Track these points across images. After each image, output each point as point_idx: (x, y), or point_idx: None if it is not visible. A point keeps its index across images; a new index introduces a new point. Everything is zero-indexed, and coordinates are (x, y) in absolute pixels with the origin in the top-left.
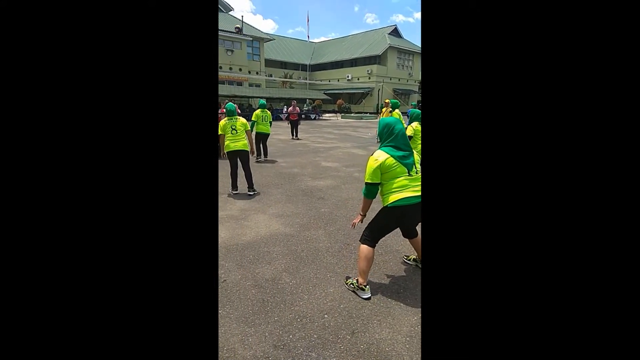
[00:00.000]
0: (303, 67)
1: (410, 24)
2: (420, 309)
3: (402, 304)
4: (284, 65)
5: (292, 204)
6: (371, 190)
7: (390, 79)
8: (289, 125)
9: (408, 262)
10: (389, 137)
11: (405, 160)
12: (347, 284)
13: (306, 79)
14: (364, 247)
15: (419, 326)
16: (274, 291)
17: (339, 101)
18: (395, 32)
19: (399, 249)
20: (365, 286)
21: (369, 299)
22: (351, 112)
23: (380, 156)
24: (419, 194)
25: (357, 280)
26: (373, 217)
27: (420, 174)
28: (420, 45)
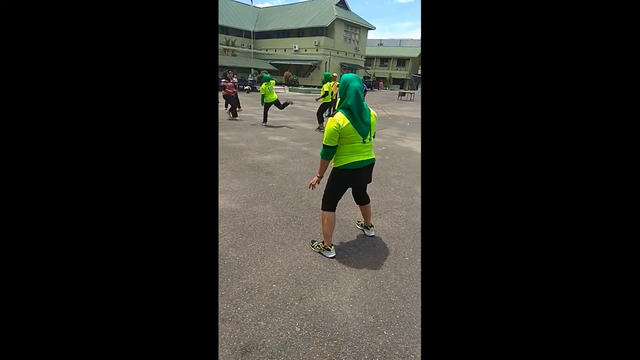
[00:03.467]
0: (247, 34)
1: None
2: (362, 271)
3: (346, 268)
4: (224, 30)
5: (238, 179)
6: (328, 152)
7: (338, 52)
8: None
9: (358, 225)
10: (344, 97)
11: (361, 128)
12: (312, 246)
13: (250, 46)
14: (325, 213)
15: (362, 287)
16: (220, 267)
17: (286, 73)
18: (342, 4)
19: (345, 218)
20: (330, 247)
21: (333, 257)
22: (299, 85)
23: (341, 121)
24: (367, 157)
25: (322, 242)
26: (326, 184)
27: (372, 140)
28: (366, 20)
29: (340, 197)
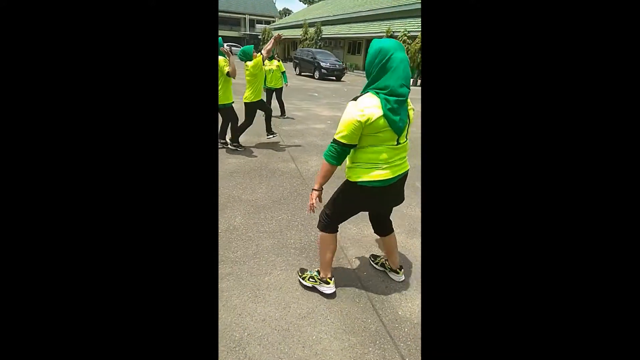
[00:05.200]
0: None
1: None
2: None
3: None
4: None
5: None
6: (342, 154)
7: None
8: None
9: (375, 264)
10: (381, 74)
11: (398, 123)
12: (303, 278)
13: None
14: (325, 235)
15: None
16: None
17: None
18: None
19: (361, 239)
20: (330, 278)
21: (333, 294)
22: None
23: (368, 109)
24: (402, 170)
25: (317, 271)
26: (333, 194)
27: (407, 140)
28: None
29: (348, 219)
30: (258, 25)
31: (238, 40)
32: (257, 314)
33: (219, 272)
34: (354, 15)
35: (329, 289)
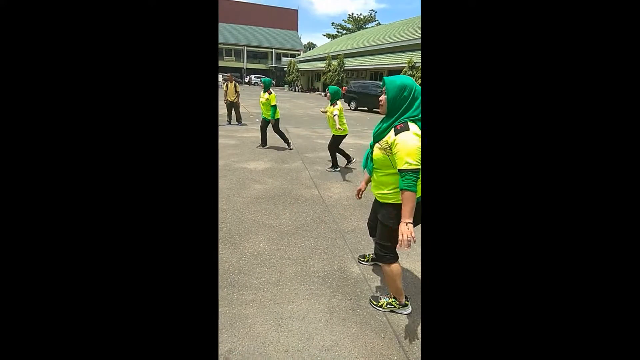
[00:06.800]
0: None
1: None
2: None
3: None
4: None
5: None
6: (419, 179)
7: None
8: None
9: (365, 262)
10: (412, 104)
11: None
12: (380, 306)
13: None
14: (392, 267)
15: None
16: None
17: None
18: None
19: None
20: (406, 302)
21: (410, 313)
22: None
23: (420, 132)
24: None
25: (393, 297)
26: (380, 228)
27: None
28: None
29: None
30: (284, 58)
31: (265, 72)
32: (280, 343)
33: (243, 298)
34: (377, 47)
35: (407, 309)
